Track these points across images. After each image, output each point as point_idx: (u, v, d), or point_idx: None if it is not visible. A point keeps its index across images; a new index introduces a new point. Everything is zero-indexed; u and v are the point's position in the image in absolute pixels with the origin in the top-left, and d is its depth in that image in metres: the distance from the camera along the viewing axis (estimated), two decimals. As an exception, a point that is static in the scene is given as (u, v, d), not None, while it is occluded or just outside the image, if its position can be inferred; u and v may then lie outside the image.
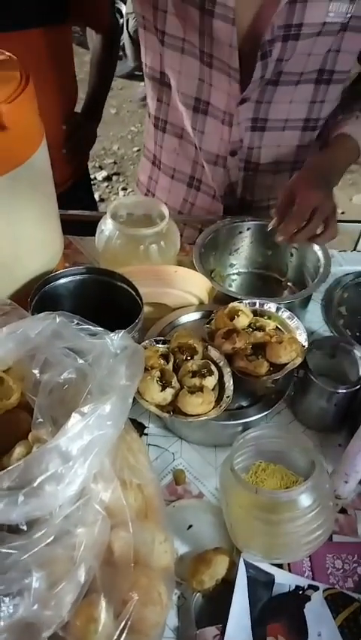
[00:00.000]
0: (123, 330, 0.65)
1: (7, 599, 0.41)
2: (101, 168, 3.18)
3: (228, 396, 0.76)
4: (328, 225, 0.91)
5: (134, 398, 0.74)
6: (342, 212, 2.78)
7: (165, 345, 0.83)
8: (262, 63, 0.92)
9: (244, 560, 0.66)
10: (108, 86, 1.49)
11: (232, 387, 0.78)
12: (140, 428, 0.84)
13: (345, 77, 1.00)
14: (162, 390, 0.76)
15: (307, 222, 0.88)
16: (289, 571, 0.68)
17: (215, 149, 1.07)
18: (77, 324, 0.65)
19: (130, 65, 3.86)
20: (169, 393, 0.76)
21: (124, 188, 3.05)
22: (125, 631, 0.44)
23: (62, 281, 0.84)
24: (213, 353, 0.82)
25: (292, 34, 0.89)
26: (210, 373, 0.78)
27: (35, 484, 0.48)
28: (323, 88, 0.99)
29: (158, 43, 1.00)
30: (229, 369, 0.80)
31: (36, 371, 0.62)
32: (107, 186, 3.07)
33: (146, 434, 0.83)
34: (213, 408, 0.75)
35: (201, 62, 0.97)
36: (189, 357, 0.81)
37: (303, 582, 0.67)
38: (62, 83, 1.25)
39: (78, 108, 1.40)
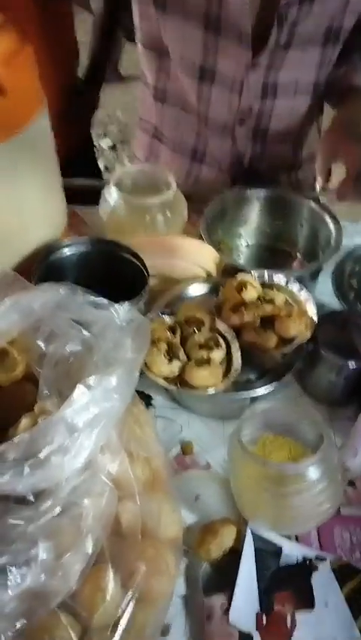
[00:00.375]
0: (128, 302, 0.64)
1: (14, 569, 0.41)
2: (105, 135, 3.11)
3: (235, 370, 0.76)
4: None
5: (141, 371, 0.74)
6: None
7: (172, 318, 0.82)
8: (279, 28, 0.89)
9: (252, 531, 0.66)
10: (110, 50, 1.43)
11: (239, 361, 0.77)
12: (147, 400, 0.83)
13: (346, 35, 0.96)
14: (169, 363, 0.75)
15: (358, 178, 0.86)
16: (297, 541, 0.68)
17: (223, 118, 1.04)
18: (82, 295, 0.64)
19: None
20: (176, 365, 0.75)
21: (129, 157, 2.99)
22: (133, 600, 0.45)
23: (66, 252, 0.83)
24: (221, 326, 0.81)
25: None
26: (218, 346, 0.77)
27: (41, 456, 0.47)
28: (331, 49, 0.96)
29: (156, 8, 0.95)
30: (236, 343, 0.79)
31: (41, 343, 0.61)
32: (112, 155, 3.01)
33: (153, 406, 0.83)
34: (221, 381, 0.75)
35: (206, 28, 0.93)
36: (196, 330, 0.80)
37: (311, 553, 0.67)
38: (61, 47, 1.20)
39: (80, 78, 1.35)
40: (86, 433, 0.51)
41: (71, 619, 0.44)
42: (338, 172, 0.87)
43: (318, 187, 0.90)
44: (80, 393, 0.53)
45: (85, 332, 0.64)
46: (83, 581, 0.44)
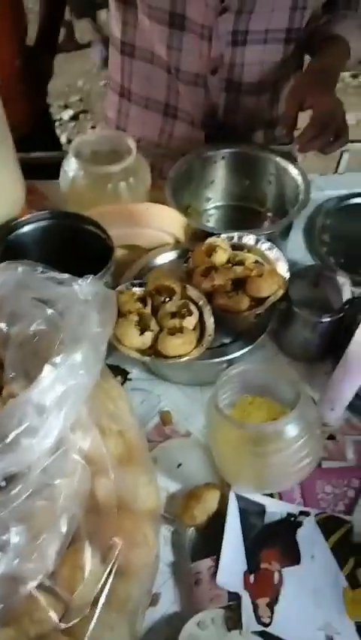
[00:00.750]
0: (92, 276, 0.62)
1: (-13, 556, 0.40)
2: (66, 107, 2.99)
3: (209, 335, 0.74)
4: (340, 132, 0.87)
5: (114, 345, 0.73)
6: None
7: (142, 289, 0.80)
8: None
9: (235, 493, 0.67)
10: (62, 14, 1.36)
11: (212, 326, 0.75)
12: (123, 374, 0.82)
13: None
14: (140, 335, 0.73)
15: (322, 129, 0.84)
16: (280, 499, 0.69)
17: (195, 67, 1.00)
18: (42, 272, 0.62)
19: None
20: (148, 336, 0.74)
21: (93, 127, 2.89)
22: (112, 575, 0.44)
23: (26, 229, 0.80)
24: (193, 292, 0.79)
25: None
26: (190, 313, 0.76)
27: (9, 440, 0.47)
28: None
29: None
30: (209, 308, 0.78)
31: (3, 324, 0.59)
32: (74, 126, 2.91)
33: (129, 379, 0.82)
34: (195, 348, 0.74)
35: None
36: (167, 299, 0.78)
37: (294, 509, 0.68)
38: (8, 15, 1.14)
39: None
40: (55, 412, 0.50)
41: (51, 599, 0.43)
42: (311, 123, 0.84)
43: (279, 132, 0.88)
44: (46, 372, 0.52)
45: (49, 310, 0.62)
46: (60, 560, 0.44)
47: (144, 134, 1.12)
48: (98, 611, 0.43)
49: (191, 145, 1.07)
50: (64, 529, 0.44)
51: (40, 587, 0.43)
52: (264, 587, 0.61)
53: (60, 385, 0.51)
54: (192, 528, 0.66)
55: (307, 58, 1.05)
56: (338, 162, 1.19)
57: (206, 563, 0.62)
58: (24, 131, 1.22)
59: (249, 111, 1.06)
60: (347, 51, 0.94)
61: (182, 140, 1.11)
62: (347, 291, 0.78)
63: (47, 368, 0.53)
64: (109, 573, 0.44)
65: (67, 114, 2.93)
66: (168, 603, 0.62)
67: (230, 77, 1.01)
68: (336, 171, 1.19)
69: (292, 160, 0.97)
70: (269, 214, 1.04)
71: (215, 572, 0.61)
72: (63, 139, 2.76)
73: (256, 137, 1.12)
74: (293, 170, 0.94)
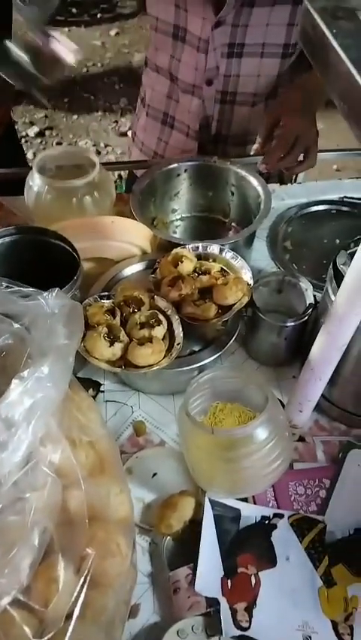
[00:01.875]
0: (57, 289, 0.62)
1: None
2: (32, 124, 2.99)
3: (178, 344, 0.75)
4: (308, 154, 0.91)
5: (83, 357, 0.73)
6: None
7: (110, 300, 0.81)
8: None
9: (209, 499, 0.67)
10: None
11: (181, 335, 0.76)
12: (96, 386, 0.82)
13: None
14: (110, 346, 0.74)
15: (289, 150, 0.88)
16: (255, 503, 0.70)
17: (191, 78, 1.04)
18: (7, 287, 0.62)
19: (50, 10, 3.59)
20: (118, 347, 0.74)
21: (59, 143, 2.89)
22: (86, 586, 0.44)
23: (-9, 245, 0.79)
24: (161, 302, 0.80)
25: None
26: (159, 323, 0.77)
27: (-23, 456, 0.46)
28: (300, 9, 0.95)
29: None
30: (177, 317, 0.79)
31: (-31, 341, 0.58)
32: (40, 142, 2.90)
33: (102, 391, 0.82)
34: (165, 357, 0.74)
35: None
36: (136, 310, 0.79)
37: (268, 512, 0.69)
38: None
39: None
40: (23, 425, 0.50)
41: (26, 614, 0.43)
42: (277, 142, 0.89)
43: (253, 150, 0.91)
44: (13, 386, 0.52)
45: (15, 324, 0.62)
46: (34, 574, 0.43)
47: (145, 141, 1.18)
48: (73, 623, 0.42)
49: (184, 154, 1.11)
50: (36, 542, 0.43)
51: (14, 602, 0.42)
52: (241, 592, 0.62)
53: (28, 399, 0.51)
54: (169, 537, 0.66)
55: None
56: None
57: (184, 571, 0.62)
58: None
59: (242, 122, 1.10)
60: None
61: (176, 150, 1.14)
62: (310, 296, 0.80)
63: (14, 382, 0.52)
64: (83, 584, 0.44)
65: (32, 131, 2.93)
66: (148, 614, 0.61)
67: (225, 89, 1.04)
68: (294, 181, 1.23)
69: (252, 171, 0.99)
70: (233, 224, 1.06)
71: (193, 580, 0.61)
72: (29, 155, 2.75)
73: (249, 150, 1.15)
74: (254, 181, 0.97)
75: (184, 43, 1.00)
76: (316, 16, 0.38)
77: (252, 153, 1.15)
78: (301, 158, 0.94)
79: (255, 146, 1.15)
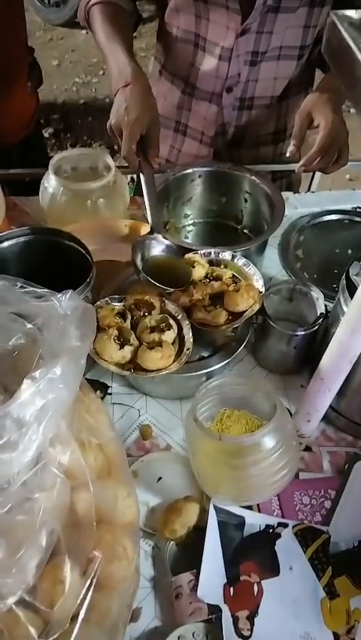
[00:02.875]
0: (71, 291, 0.63)
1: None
2: (47, 124, 3.02)
3: (188, 349, 0.76)
4: (341, 154, 0.93)
5: (94, 359, 0.73)
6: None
7: (121, 303, 0.81)
8: None
9: (214, 506, 0.67)
10: None
11: (191, 340, 0.77)
12: (103, 389, 0.83)
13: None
14: (120, 349, 0.74)
15: (325, 152, 0.90)
16: (259, 511, 0.70)
17: (210, 86, 1.04)
18: (21, 287, 0.62)
19: (69, 13, 3.62)
20: (128, 350, 0.74)
21: (73, 144, 2.91)
22: (92, 589, 0.44)
23: (6, 244, 0.80)
24: (171, 307, 0.81)
25: None
26: (169, 327, 0.77)
27: (-12, 455, 0.46)
28: (317, 11, 0.96)
29: None
30: (187, 322, 0.79)
31: (-18, 339, 0.59)
32: (54, 143, 2.92)
33: (110, 394, 0.82)
34: (174, 361, 0.74)
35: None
36: (146, 313, 0.79)
37: (273, 521, 0.68)
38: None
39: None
40: (34, 426, 0.50)
41: (31, 615, 0.43)
42: (317, 145, 0.90)
43: (289, 153, 0.93)
44: (25, 387, 0.52)
45: (28, 324, 0.62)
46: (40, 575, 0.43)
47: None
48: (78, 625, 0.43)
49: (197, 160, 1.12)
50: (44, 543, 0.44)
51: (20, 602, 0.42)
52: (244, 600, 0.61)
53: (39, 399, 0.51)
54: (173, 542, 0.66)
55: (318, 73, 1.10)
56: (311, 181, 1.23)
57: (186, 577, 0.62)
58: (14, 144, 1.24)
59: (256, 125, 1.10)
60: None
61: (189, 157, 1.15)
62: (321, 305, 0.80)
63: (26, 382, 0.53)
64: (89, 586, 0.44)
65: (47, 132, 2.95)
66: (150, 618, 0.61)
67: (243, 95, 1.05)
68: (309, 189, 1.23)
69: (266, 179, 1.00)
70: (245, 231, 1.07)
71: (195, 586, 0.61)
72: (44, 155, 2.77)
73: (263, 152, 1.15)
74: (268, 189, 0.97)
75: (205, 52, 1.01)
76: (342, 29, 0.39)
77: (269, 159, 1.16)
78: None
79: (270, 148, 1.15)
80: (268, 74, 1.02)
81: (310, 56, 1.04)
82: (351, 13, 0.41)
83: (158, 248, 0.84)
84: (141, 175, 0.85)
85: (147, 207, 0.84)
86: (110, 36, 0.93)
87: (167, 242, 0.84)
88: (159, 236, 0.84)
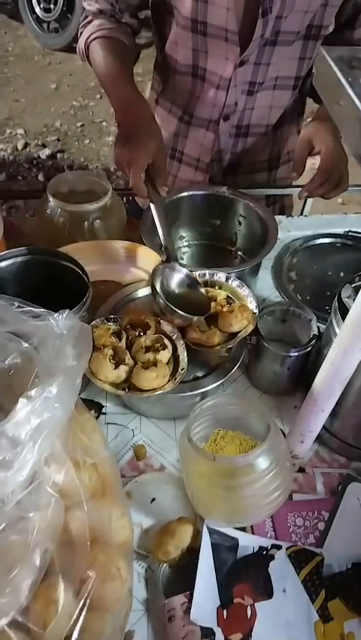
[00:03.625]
0: (68, 310, 0.63)
1: None
2: (44, 146, 3.07)
3: (182, 369, 0.76)
4: (341, 180, 0.96)
5: (88, 379, 0.74)
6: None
7: (117, 323, 0.82)
8: (263, 20, 0.91)
9: (208, 527, 0.67)
10: None
11: (186, 360, 0.77)
12: (98, 408, 0.83)
13: (327, 32, 1.00)
14: (115, 368, 0.75)
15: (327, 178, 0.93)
16: (253, 533, 0.69)
17: (207, 114, 1.07)
18: (18, 306, 0.63)
19: (67, 38, 3.71)
20: (123, 370, 0.75)
21: (70, 166, 2.95)
22: (85, 609, 0.44)
23: (3, 264, 0.81)
24: (166, 327, 0.81)
25: None
26: (164, 347, 0.78)
27: (-17, 473, 0.46)
28: (312, 44, 1.00)
29: (152, 12, 1.02)
30: (182, 342, 0.80)
31: (-23, 358, 0.59)
32: (51, 164, 2.97)
33: (104, 413, 0.82)
34: (169, 381, 0.75)
35: (194, 32, 0.96)
36: (141, 333, 0.80)
37: (266, 542, 0.68)
38: None
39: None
40: (29, 445, 0.50)
41: (23, 636, 0.42)
42: (318, 171, 0.93)
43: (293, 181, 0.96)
44: (21, 406, 0.52)
45: (24, 344, 0.63)
46: (33, 595, 0.43)
47: None
48: (70, 647, 0.42)
49: (194, 185, 1.14)
50: (37, 563, 0.43)
51: (12, 623, 0.42)
52: (237, 623, 0.61)
53: (35, 418, 0.51)
54: (166, 564, 0.65)
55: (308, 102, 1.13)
56: (304, 205, 1.26)
57: (179, 599, 0.61)
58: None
59: (251, 152, 1.13)
60: None
61: (186, 182, 1.17)
62: (314, 327, 0.81)
63: (21, 401, 0.53)
64: (82, 607, 0.44)
65: (44, 153, 2.99)
66: (141, 641, 0.61)
67: (240, 123, 1.08)
68: (302, 213, 1.26)
69: (261, 202, 1.02)
70: (239, 253, 1.08)
71: (189, 608, 0.61)
72: (41, 177, 2.81)
73: (257, 178, 1.18)
74: (262, 212, 0.99)
75: (203, 81, 1.03)
76: (332, 64, 0.41)
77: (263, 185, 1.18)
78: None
79: (265, 174, 1.19)
80: (264, 103, 1.06)
81: (303, 86, 1.07)
82: (341, 49, 0.43)
83: (176, 276, 0.84)
84: (151, 205, 0.85)
85: (161, 236, 0.84)
86: (112, 69, 0.95)
87: (185, 270, 0.84)
88: (176, 265, 0.84)
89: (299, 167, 0.97)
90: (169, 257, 0.84)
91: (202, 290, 0.84)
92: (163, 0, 0.97)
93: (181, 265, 0.85)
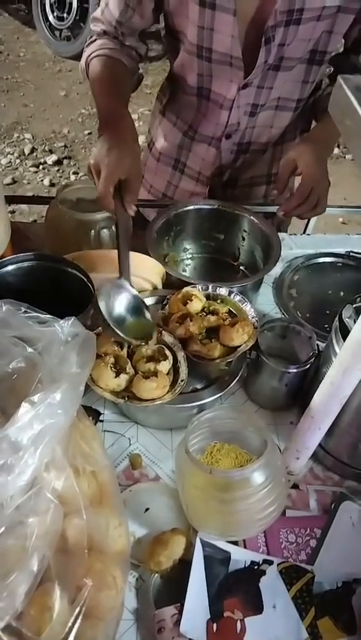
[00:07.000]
0: (73, 317, 0.64)
1: None
2: (51, 152, 3.09)
3: (182, 380, 0.77)
4: (319, 202, 0.97)
5: (87, 385, 0.74)
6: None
7: (119, 331, 0.82)
8: (266, 48, 0.93)
9: (201, 539, 0.67)
10: None
11: (186, 371, 0.78)
12: (95, 415, 0.83)
13: (330, 57, 1.02)
14: (116, 377, 0.75)
15: (305, 199, 0.95)
16: (245, 547, 0.70)
17: (210, 131, 1.09)
18: (25, 312, 0.64)
19: (79, 47, 3.75)
20: (123, 379, 0.76)
21: (75, 173, 2.97)
22: (80, 617, 0.44)
23: (9, 269, 0.82)
24: (167, 338, 0.82)
25: (294, 19, 0.91)
26: (165, 358, 0.79)
27: (-16, 476, 0.47)
28: (315, 69, 1.02)
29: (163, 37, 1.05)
30: (183, 353, 0.81)
31: (-18, 361, 0.60)
32: (57, 170, 2.99)
33: (101, 421, 0.83)
34: (168, 392, 0.76)
35: (199, 58, 0.99)
36: (143, 343, 0.81)
37: (258, 557, 0.69)
38: None
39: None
40: (31, 450, 0.51)
41: (17, 641, 0.43)
42: (297, 192, 0.94)
43: (273, 197, 0.97)
44: (24, 410, 0.53)
45: (29, 349, 0.63)
46: (29, 601, 0.43)
47: (154, 183, 1.22)
48: (64, 654, 0.42)
49: (193, 198, 1.17)
50: (35, 568, 0.44)
51: (7, 628, 0.42)
52: (226, 637, 0.61)
53: (37, 424, 0.52)
54: (158, 574, 0.65)
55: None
56: (307, 224, 1.27)
57: (170, 611, 0.62)
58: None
59: (251, 168, 1.16)
60: None
61: (186, 193, 1.19)
62: (313, 344, 0.82)
63: (24, 406, 0.54)
64: (77, 615, 0.44)
65: (51, 159, 3.02)
66: (130, 652, 0.61)
67: (241, 140, 1.10)
68: (305, 232, 1.27)
69: (266, 220, 1.03)
70: (241, 267, 1.10)
71: (179, 620, 0.61)
72: (46, 182, 2.83)
73: (255, 192, 1.20)
74: (266, 229, 1.01)
75: (208, 100, 1.06)
76: (349, 93, 0.42)
77: (260, 199, 1.21)
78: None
79: (262, 188, 1.21)
80: (266, 123, 1.08)
81: (305, 106, 1.10)
82: (357, 78, 0.45)
83: (124, 294, 0.80)
84: (117, 219, 0.83)
85: (118, 253, 0.81)
86: (106, 85, 0.96)
87: (133, 291, 0.81)
88: (126, 283, 0.80)
89: (280, 185, 0.99)
90: (121, 273, 0.81)
91: (147, 315, 0.81)
92: (171, 26, 1.00)
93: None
